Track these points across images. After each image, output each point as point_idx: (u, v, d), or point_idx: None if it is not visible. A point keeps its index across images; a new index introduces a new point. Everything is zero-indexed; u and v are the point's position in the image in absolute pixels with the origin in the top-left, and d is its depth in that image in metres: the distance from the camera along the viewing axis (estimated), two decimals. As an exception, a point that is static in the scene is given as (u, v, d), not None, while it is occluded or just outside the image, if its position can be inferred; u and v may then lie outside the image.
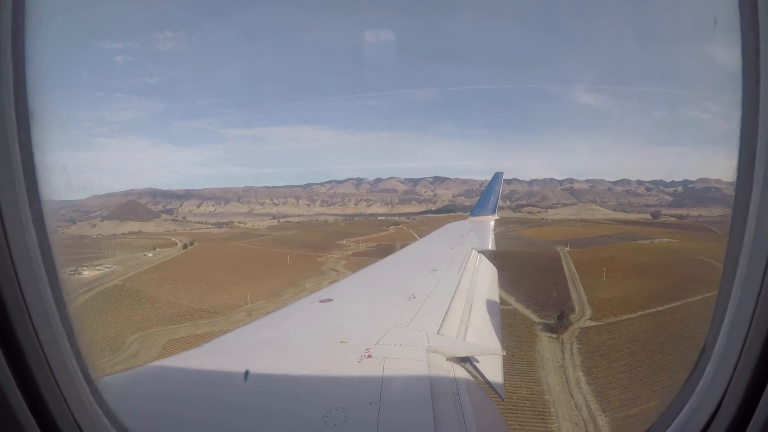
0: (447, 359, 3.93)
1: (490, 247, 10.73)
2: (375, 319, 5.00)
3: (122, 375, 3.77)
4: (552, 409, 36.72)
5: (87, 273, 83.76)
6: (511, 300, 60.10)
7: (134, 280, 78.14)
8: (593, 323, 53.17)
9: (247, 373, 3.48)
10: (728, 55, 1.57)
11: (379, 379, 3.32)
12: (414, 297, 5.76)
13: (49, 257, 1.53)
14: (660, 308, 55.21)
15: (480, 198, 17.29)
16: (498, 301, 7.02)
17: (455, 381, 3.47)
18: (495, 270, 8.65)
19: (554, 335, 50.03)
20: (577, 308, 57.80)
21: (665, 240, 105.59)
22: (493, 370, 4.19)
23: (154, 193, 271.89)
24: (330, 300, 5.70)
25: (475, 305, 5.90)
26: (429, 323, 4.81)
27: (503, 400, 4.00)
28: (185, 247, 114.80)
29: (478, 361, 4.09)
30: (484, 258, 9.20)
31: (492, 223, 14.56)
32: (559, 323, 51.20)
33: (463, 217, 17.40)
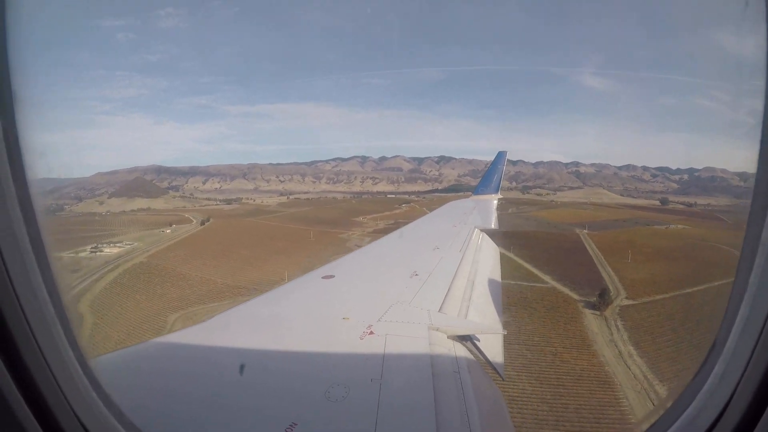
0: (448, 337, 3.93)
1: (492, 226, 10.52)
2: (377, 296, 4.99)
3: (123, 352, 3.76)
4: (615, 379, 37.86)
5: (108, 250, 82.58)
6: (547, 278, 62.78)
7: (159, 257, 76.82)
8: (630, 302, 54.24)
9: (249, 349, 3.51)
10: (738, 44, 1.56)
11: (381, 356, 3.33)
12: (416, 274, 5.71)
13: (38, 242, 1.49)
14: (689, 290, 56.13)
15: (483, 176, 17.22)
16: (500, 280, 6.90)
17: (456, 359, 3.49)
18: (497, 249, 8.58)
19: (597, 312, 50.98)
20: (611, 288, 58.72)
21: (679, 226, 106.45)
22: (493, 348, 4.20)
23: (159, 170, 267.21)
24: (332, 276, 5.64)
25: (476, 283, 5.87)
26: (431, 301, 4.80)
27: (503, 379, 3.99)
28: (202, 223, 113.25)
29: (479, 340, 4.11)
30: (486, 236, 9.07)
31: (495, 201, 14.32)
32: (600, 301, 52.18)
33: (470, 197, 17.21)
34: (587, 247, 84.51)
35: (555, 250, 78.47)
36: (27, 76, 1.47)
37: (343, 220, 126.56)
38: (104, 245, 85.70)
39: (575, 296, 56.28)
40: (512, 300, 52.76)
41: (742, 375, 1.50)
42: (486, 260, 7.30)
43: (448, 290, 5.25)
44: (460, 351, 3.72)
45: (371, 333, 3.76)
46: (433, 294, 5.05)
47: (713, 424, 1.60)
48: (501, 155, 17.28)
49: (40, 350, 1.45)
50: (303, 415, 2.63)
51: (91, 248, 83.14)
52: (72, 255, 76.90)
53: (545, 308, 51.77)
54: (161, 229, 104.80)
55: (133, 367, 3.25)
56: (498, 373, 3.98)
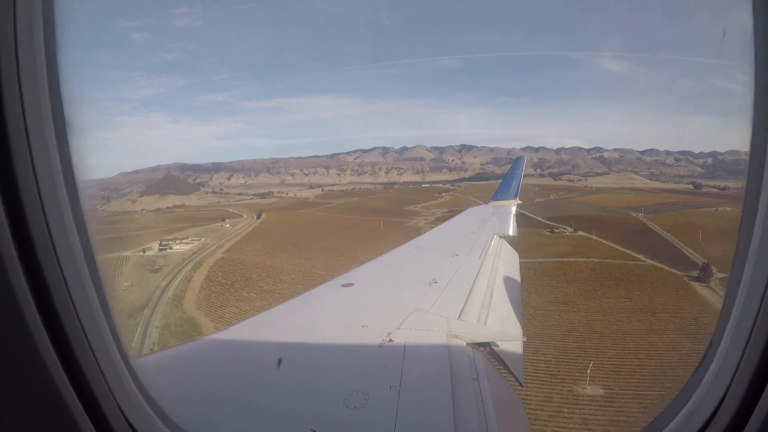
0: (467, 344, 3.94)
1: (511, 233, 10.32)
2: (396, 303, 4.99)
3: (156, 355, 4.03)
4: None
5: (178, 247, 79.28)
6: (640, 257, 66.23)
7: (237, 251, 73.69)
8: (723, 275, 55.78)
9: (269, 356, 3.59)
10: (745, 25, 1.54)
11: (400, 364, 3.36)
12: (435, 282, 5.69)
13: (88, 246, 1.54)
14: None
15: (501, 182, 16.63)
16: (519, 286, 6.83)
17: (475, 366, 3.49)
18: (516, 255, 8.55)
19: (704, 284, 55.25)
20: (699, 263, 61.32)
21: (727, 209, 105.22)
22: (513, 355, 4.20)
23: (183, 168, 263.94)
24: (352, 285, 5.62)
25: (496, 290, 5.83)
26: (450, 308, 4.80)
27: (522, 386, 4.04)
28: (258, 216, 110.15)
29: (498, 347, 4.12)
30: (505, 243, 9.00)
31: (514, 207, 14.02)
32: (704, 274, 56.74)
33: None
34: (653, 228, 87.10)
35: (628, 232, 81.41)
36: (74, 80, 1.49)
37: (395, 209, 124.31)
38: (171, 242, 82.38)
39: (676, 271, 59.95)
40: (629, 275, 57.63)
41: (734, 374, 1.54)
42: (505, 267, 7.23)
43: (468, 297, 5.22)
44: (479, 358, 3.72)
45: (390, 340, 3.79)
46: (452, 301, 5.02)
47: (708, 422, 1.65)
48: (519, 161, 17.07)
49: (91, 349, 1.51)
50: (321, 422, 2.67)
51: (159, 246, 79.90)
52: (139, 254, 73.76)
53: (661, 283, 55.46)
54: (218, 224, 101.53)
55: (166, 369, 3.36)
56: (517, 379, 3.96)
